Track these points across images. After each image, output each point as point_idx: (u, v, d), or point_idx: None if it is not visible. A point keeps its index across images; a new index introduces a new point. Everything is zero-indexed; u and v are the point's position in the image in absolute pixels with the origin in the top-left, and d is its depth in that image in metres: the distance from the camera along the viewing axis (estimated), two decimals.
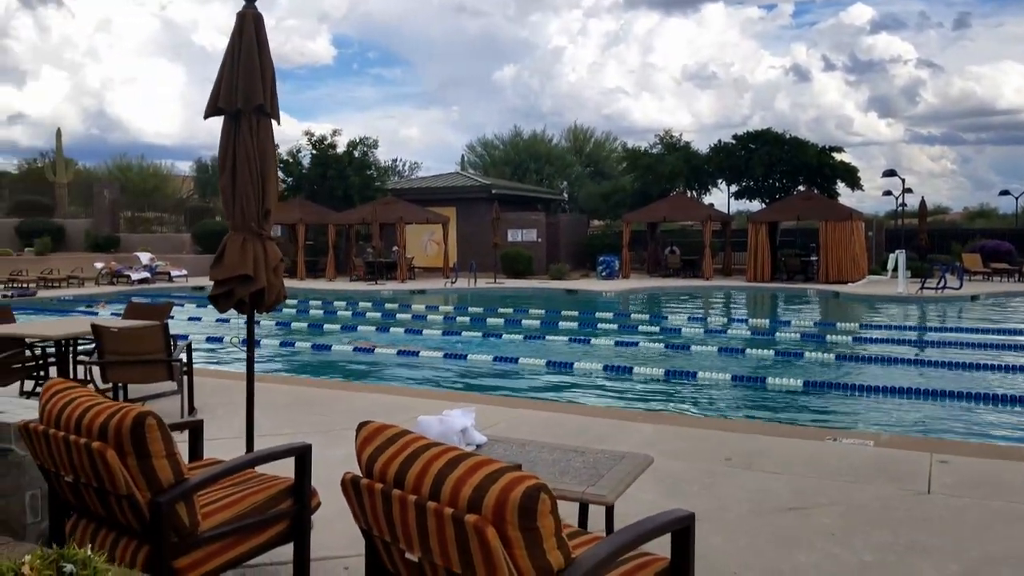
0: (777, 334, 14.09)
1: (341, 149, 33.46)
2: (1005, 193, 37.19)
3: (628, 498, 4.49)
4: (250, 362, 4.61)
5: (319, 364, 11.72)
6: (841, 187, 30.91)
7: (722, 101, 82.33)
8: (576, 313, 17.32)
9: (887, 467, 5.41)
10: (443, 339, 13.94)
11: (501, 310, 17.88)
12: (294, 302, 19.98)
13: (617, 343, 13.03)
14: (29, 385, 7.52)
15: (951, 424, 7.94)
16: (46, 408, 3.28)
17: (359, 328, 15.38)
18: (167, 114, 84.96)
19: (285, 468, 3.53)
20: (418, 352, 12.00)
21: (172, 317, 9.77)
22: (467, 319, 16.92)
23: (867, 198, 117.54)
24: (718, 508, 4.64)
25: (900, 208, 29.77)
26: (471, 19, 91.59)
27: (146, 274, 26.68)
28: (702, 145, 36.48)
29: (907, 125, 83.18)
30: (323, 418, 6.92)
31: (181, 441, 3.96)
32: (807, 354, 11.73)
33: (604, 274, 27.53)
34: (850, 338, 13.74)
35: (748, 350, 12.21)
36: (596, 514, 4.07)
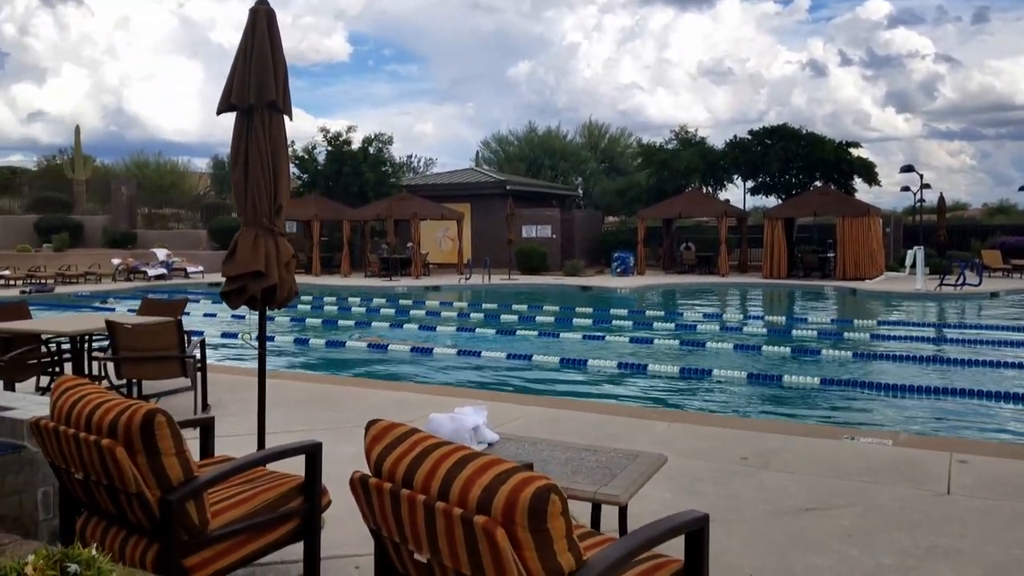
0: (794, 331, 13.96)
1: (356, 145, 33.52)
2: None
3: (642, 497, 4.44)
4: (262, 359, 4.59)
5: (333, 360, 11.73)
6: (858, 183, 30.61)
7: (738, 96, 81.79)
8: (591, 310, 17.24)
9: (905, 467, 5.33)
10: (457, 336, 13.92)
11: (515, 307, 17.85)
12: (309, 298, 20.04)
13: (632, 340, 12.96)
14: (45, 381, 7.56)
15: (971, 423, 7.83)
16: (57, 405, 3.27)
17: (373, 325, 15.39)
18: (185, 111, 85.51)
19: (296, 465, 3.51)
20: (432, 349, 11.99)
21: (187, 313, 9.80)
22: (481, 315, 16.90)
23: (885, 194, 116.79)
24: (733, 508, 4.58)
25: (918, 204, 29.44)
26: (486, 15, 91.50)
27: (162, 270, 26.86)
28: (718, 141, 36.36)
29: (925, 120, 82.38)
30: (336, 415, 6.91)
31: (192, 438, 3.95)
32: (824, 352, 11.62)
33: (619, 270, 27.42)
34: (868, 335, 13.59)
35: (764, 347, 12.10)
36: (609, 514, 4.02)
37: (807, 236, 30.75)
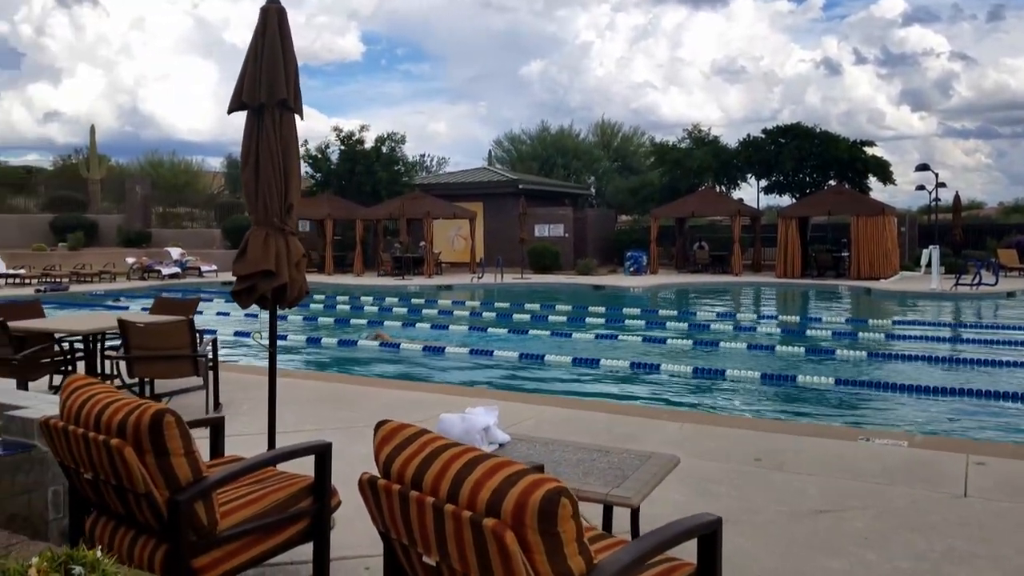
0: (808, 331, 13.86)
1: (369, 145, 33.57)
2: None
3: (654, 499, 4.39)
4: (272, 358, 4.58)
5: (345, 359, 11.74)
6: (873, 181, 30.39)
7: (751, 95, 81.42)
8: (603, 309, 17.19)
9: (921, 469, 5.26)
10: (469, 335, 13.90)
11: (528, 306, 17.82)
12: (321, 297, 20.08)
13: (645, 340, 12.90)
14: (58, 380, 7.59)
15: (988, 425, 7.73)
16: (66, 404, 3.27)
17: (385, 324, 15.39)
18: (199, 111, 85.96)
19: (307, 466, 3.50)
20: (444, 348, 11.97)
21: (200, 312, 9.83)
22: (493, 315, 16.87)
23: (899, 193, 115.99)
24: (747, 510, 4.53)
25: (933, 203, 29.19)
26: (498, 14, 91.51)
27: (176, 269, 27.00)
28: (731, 139, 36.16)
29: (940, 118, 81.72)
30: (347, 414, 6.90)
31: (202, 438, 3.95)
32: (838, 352, 11.52)
33: (632, 270, 27.34)
34: (883, 335, 13.47)
35: (778, 347, 12.01)
36: (622, 516, 3.99)
37: (821, 235, 30.55)
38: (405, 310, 18.19)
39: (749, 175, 32.71)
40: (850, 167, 29.45)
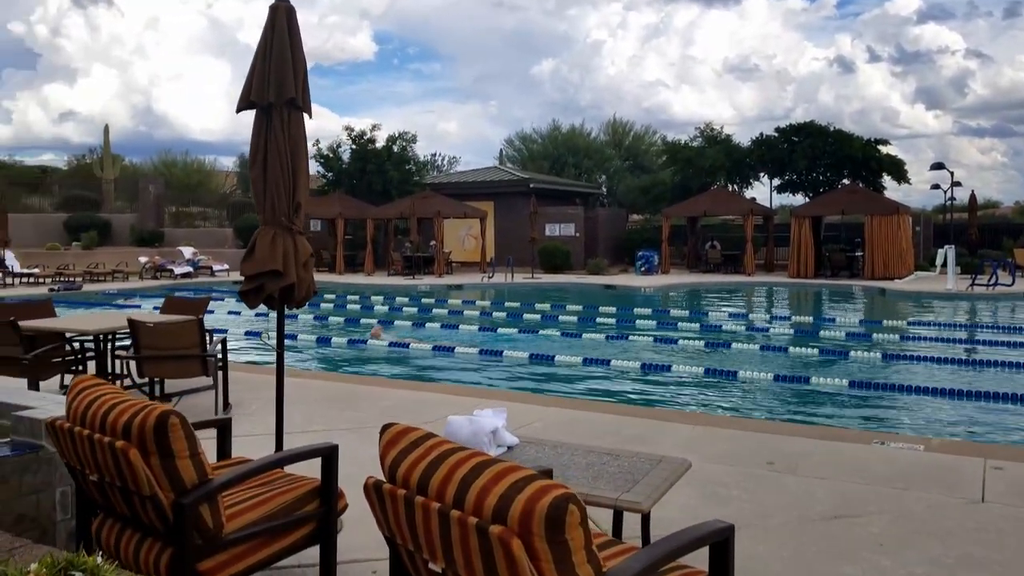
0: (821, 332, 13.74)
1: (380, 144, 33.60)
2: None
3: (665, 503, 4.34)
4: (280, 359, 4.55)
5: (355, 359, 11.73)
6: (887, 180, 30.15)
7: (764, 93, 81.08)
8: (614, 309, 17.11)
9: (938, 473, 5.18)
10: (479, 335, 13.86)
11: (538, 305, 17.77)
12: (332, 297, 20.10)
13: (656, 340, 12.82)
14: (68, 379, 7.60)
15: (1006, 428, 7.62)
16: (72, 405, 3.25)
17: (396, 323, 15.38)
18: (212, 110, 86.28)
19: (314, 467, 3.46)
20: (453, 348, 11.94)
21: (211, 311, 9.85)
22: (504, 315, 16.83)
23: (914, 192, 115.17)
24: (760, 515, 4.46)
25: (949, 202, 28.91)
26: (509, 13, 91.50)
27: (189, 268, 27.11)
28: (744, 138, 35.92)
29: (955, 117, 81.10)
30: (356, 414, 6.87)
31: (209, 438, 3.92)
32: (853, 353, 11.40)
33: (643, 269, 27.24)
34: (898, 336, 13.34)
35: (791, 348, 11.91)
36: (632, 520, 3.93)
37: (835, 235, 30.33)
38: (415, 310, 18.18)
39: (762, 174, 32.53)
40: (864, 166, 29.22)
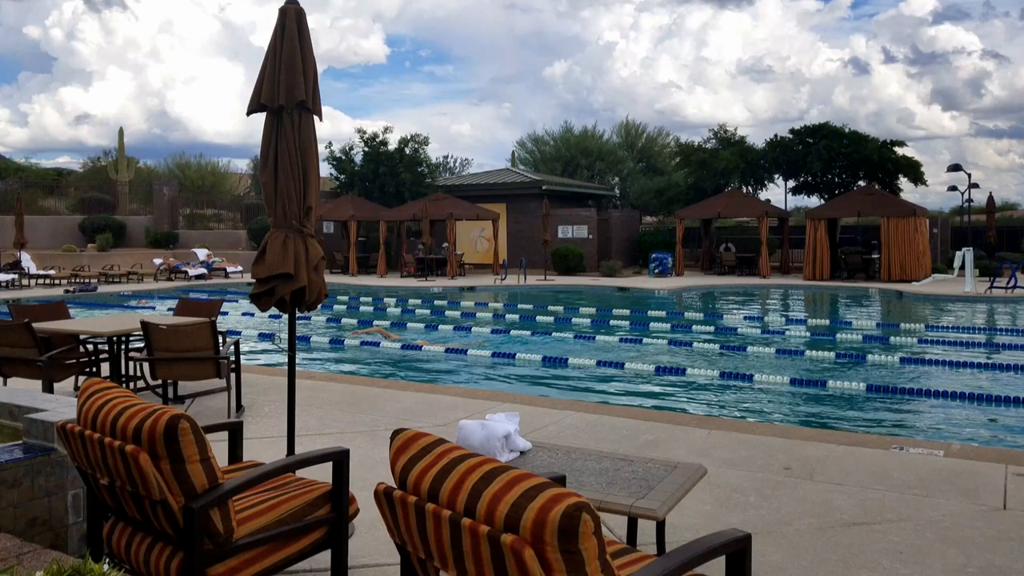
0: (838, 335, 13.61)
1: (392, 146, 33.66)
2: None
3: (680, 509, 4.29)
4: (291, 362, 4.53)
5: (368, 361, 11.72)
6: (904, 182, 29.84)
7: (778, 95, 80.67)
8: (628, 312, 17.03)
9: (958, 480, 5.09)
10: (492, 337, 13.82)
11: (551, 308, 17.71)
12: (345, 299, 20.12)
13: (670, 343, 12.73)
14: (83, 381, 7.62)
15: None
16: (83, 409, 3.23)
17: (408, 325, 15.37)
18: (225, 113, 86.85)
19: (327, 471, 3.43)
20: (466, 350, 11.91)
21: (225, 313, 9.86)
22: (516, 317, 16.78)
23: (931, 194, 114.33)
24: (777, 522, 4.39)
25: (966, 204, 28.63)
26: (522, 15, 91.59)
27: (203, 270, 27.24)
28: (758, 140, 35.73)
29: (972, 118, 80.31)
30: (369, 417, 6.85)
31: (221, 441, 3.90)
32: (870, 356, 11.27)
33: (657, 271, 27.12)
34: (915, 340, 13.19)
35: (807, 352, 11.80)
36: (647, 526, 3.88)
37: (851, 237, 30.09)
38: (428, 311, 18.17)
39: (776, 176, 32.31)
40: (880, 168, 28.95)
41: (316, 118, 4.34)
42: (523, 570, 2.00)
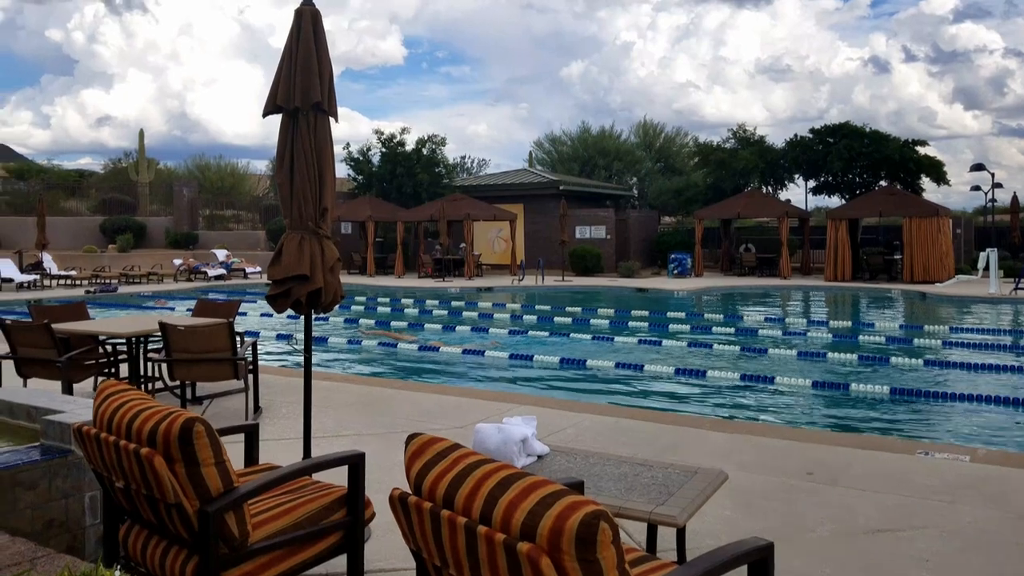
0: (860, 337, 13.44)
1: (410, 147, 33.72)
2: None
3: (700, 514, 4.21)
4: (307, 364, 4.51)
5: (385, 362, 11.71)
6: (926, 182, 29.49)
7: (798, 94, 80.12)
8: (647, 313, 16.93)
9: (985, 486, 4.98)
10: (509, 338, 13.78)
11: (569, 309, 17.63)
12: (363, 299, 20.15)
13: (690, 344, 12.63)
14: (101, 382, 7.66)
15: None
16: (99, 411, 3.22)
17: (426, 326, 15.36)
18: (245, 115, 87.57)
19: (343, 472, 3.40)
20: (484, 351, 11.87)
21: (244, 314, 9.88)
22: (534, 318, 16.73)
23: (953, 193, 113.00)
24: (799, 528, 4.31)
25: (990, 204, 28.22)
26: (538, 16, 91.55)
27: (222, 271, 27.42)
28: (777, 139, 35.44)
29: (995, 117, 79.36)
30: (386, 418, 6.83)
31: (237, 442, 3.89)
32: (893, 359, 11.11)
33: (676, 272, 26.96)
34: (940, 342, 12.99)
35: (829, 354, 11.65)
36: (666, 533, 3.82)
37: (872, 237, 29.77)
38: (445, 312, 18.16)
39: (797, 176, 32.02)
40: (901, 167, 28.61)
41: (332, 120, 4.32)
42: None
